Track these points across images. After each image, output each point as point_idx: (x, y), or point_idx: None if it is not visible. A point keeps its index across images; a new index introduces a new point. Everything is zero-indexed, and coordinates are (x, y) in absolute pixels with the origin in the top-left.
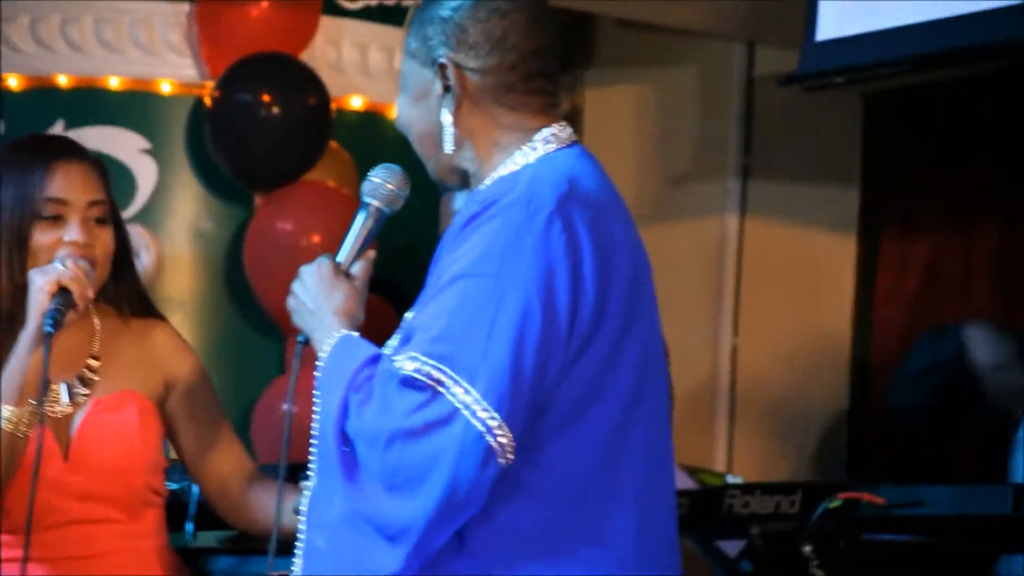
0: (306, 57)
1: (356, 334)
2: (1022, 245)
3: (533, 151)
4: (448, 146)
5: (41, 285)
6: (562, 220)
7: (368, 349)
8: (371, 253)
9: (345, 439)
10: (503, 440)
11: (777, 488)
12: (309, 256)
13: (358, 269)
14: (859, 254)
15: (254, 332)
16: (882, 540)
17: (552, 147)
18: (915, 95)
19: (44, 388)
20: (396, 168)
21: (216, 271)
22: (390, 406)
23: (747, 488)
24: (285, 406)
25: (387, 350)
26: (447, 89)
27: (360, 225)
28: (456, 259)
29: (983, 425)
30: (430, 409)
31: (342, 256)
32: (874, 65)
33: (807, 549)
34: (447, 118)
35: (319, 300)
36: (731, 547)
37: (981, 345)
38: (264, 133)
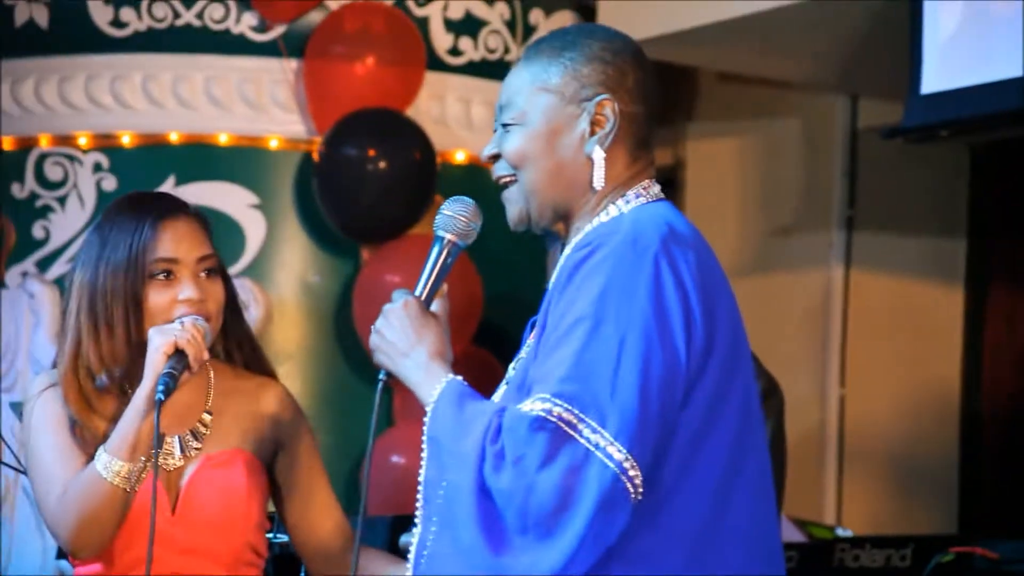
0: (411, 112)
1: (460, 378)
2: None
3: (626, 203)
4: (599, 181)
5: (158, 346)
6: (667, 258)
7: (486, 400)
8: (445, 288)
9: (484, 491)
10: (636, 481)
11: (888, 541)
12: None
13: (438, 307)
14: (967, 305)
15: (363, 384)
16: None
17: (642, 200)
18: (1021, 145)
19: (157, 448)
20: (468, 200)
21: (324, 324)
22: (524, 455)
23: (857, 541)
24: (386, 458)
25: (496, 397)
26: (594, 126)
27: (435, 259)
28: (572, 303)
29: None
30: (564, 453)
31: (420, 291)
32: (980, 118)
33: None
34: (599, 154)
35: (410, 341)
36: None
37: None
38: (370, 187)
